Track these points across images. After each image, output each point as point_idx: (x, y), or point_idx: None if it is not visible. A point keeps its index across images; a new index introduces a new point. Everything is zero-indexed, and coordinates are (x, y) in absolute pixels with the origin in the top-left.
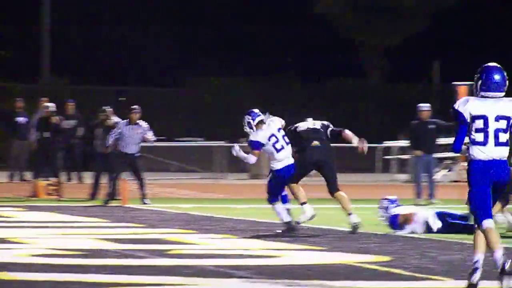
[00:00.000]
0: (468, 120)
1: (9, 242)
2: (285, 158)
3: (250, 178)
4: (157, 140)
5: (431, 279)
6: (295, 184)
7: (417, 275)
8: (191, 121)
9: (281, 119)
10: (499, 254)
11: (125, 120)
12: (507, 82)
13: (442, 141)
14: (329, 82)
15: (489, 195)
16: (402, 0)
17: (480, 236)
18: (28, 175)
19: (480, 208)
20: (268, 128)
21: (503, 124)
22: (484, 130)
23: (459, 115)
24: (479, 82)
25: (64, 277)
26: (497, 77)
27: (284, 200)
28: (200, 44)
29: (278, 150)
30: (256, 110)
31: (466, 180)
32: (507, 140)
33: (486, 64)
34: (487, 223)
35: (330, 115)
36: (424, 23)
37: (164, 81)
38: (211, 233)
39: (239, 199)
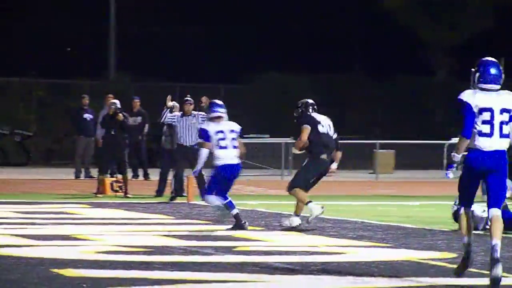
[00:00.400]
0: (475, 112)
1: (74, 239)
2: (225, 157)
3: None
4: None
5: None
6: (298, 189)
7: (483, 271)
8: (256, 117)
9: (237, 127)
10: (465, 240)
11: (180, 112)
12: (503, 75)
13: None
14: (396, 79)
15: (475, 187)
16: None
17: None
18: (94, 172)
19: (463, 195)
20: (223, 124)
21: (506, 117)
22: (490, 122)
23: (466, 105)
24: (477, 75)
25: (129, 274)
26: (493, 70)
27: (231, 205)
28: (265, 41)
29: (220, 147)
30: (219, 103)
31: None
32: (509, 132)
33: (483, 58)
34: (464, 209)
35: (396, 112)
36: (489, 21)
37: (229, 78)
38: (278, 230)
39: None
